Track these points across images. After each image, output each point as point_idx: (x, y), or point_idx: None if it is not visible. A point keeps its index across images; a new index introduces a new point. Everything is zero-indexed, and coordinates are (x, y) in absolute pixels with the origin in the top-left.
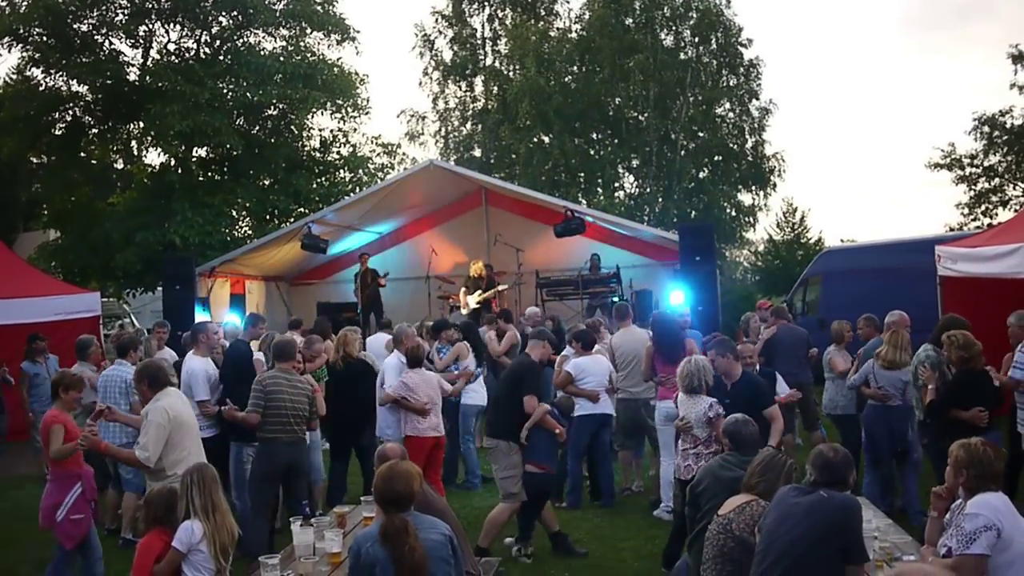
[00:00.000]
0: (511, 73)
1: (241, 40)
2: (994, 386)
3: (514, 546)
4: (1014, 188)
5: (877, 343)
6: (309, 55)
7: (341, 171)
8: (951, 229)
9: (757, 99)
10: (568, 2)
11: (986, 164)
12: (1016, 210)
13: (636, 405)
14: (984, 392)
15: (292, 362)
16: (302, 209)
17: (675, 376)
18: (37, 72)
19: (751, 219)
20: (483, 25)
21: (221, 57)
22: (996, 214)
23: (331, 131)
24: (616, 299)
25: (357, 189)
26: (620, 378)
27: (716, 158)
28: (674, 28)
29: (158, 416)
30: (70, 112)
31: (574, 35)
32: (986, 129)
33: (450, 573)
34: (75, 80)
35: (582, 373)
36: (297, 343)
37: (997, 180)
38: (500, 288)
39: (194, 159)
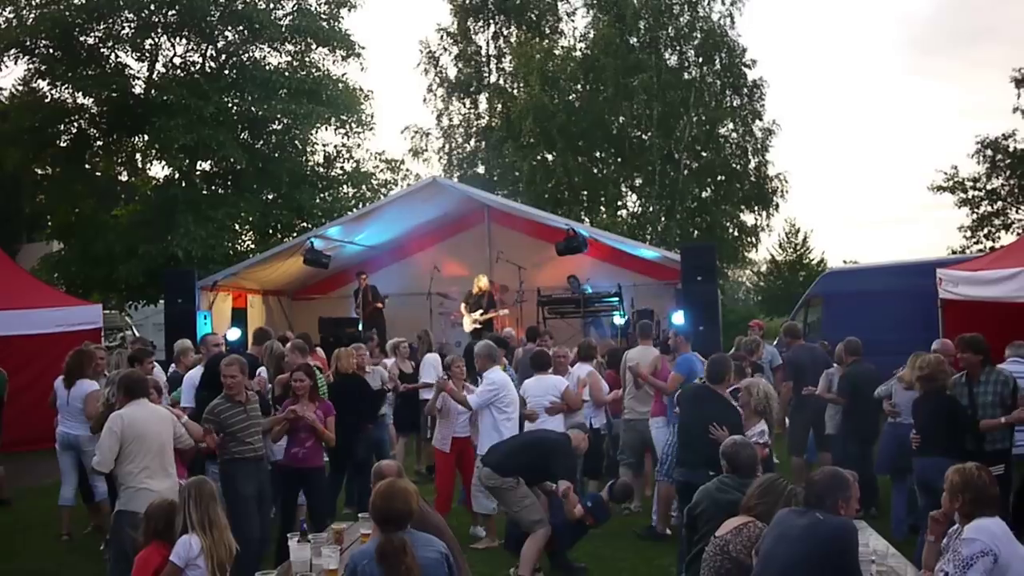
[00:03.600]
0: (515, 91)
1: (246, 55)
2: (948, 409)
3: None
4: (1017, 212)
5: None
6: (314, 70)
7: (344, 186)
8: (953, 252)
9: (760, 120)
10: (573, 21)
11: (989, 187)
12: (1018, 234)
13: (644, 424)
14: (924, 414)
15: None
16: (305, 224)
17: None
18: (43, 84)
19: (753, 239)
20: (488, 43)
21: (226, 71)
22: (999, 237)
23: (335, 146)
24: (618, 316)
25: (360, 205)
26: (628, 396)
27: (719, 178)
28: (678, 48)
29: (111, 422)
30: (75, 124)
31: (578, 54)
32: (989, 152)
33: None
34: (80, 92)
35: (524, 393)
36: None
37: (1000, 203)
38: (501, 312)
39: (198, 173)
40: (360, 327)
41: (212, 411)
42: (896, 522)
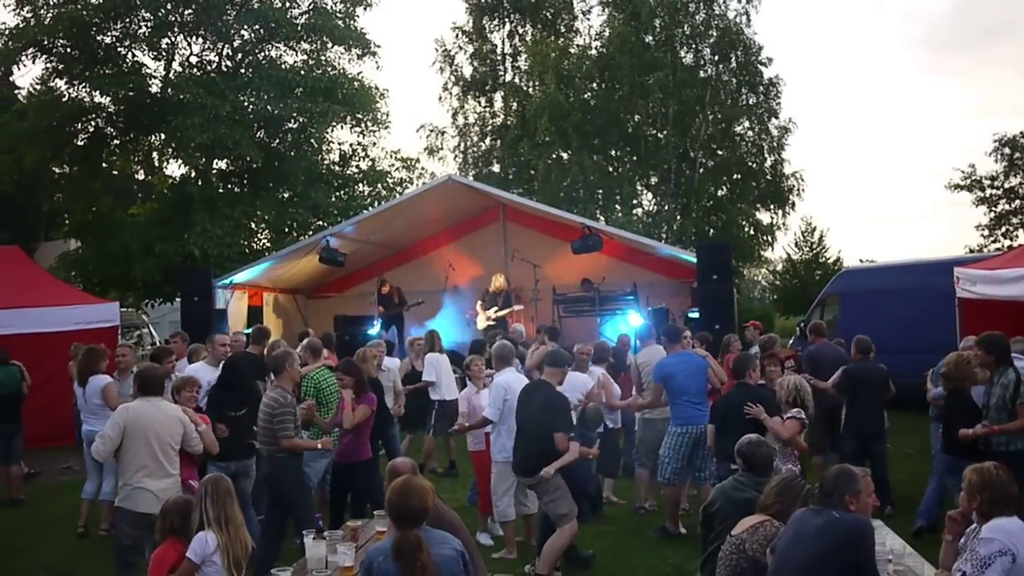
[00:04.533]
0: (531, 89)
1: (263, 54)
2: (960, 408)
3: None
4: None
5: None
6: (330, 69)
7: (360, 185)
8: (971, 250)
9: (776, 118)
10: (588, 19)
11: (1007, 186)
12: None
13: (662, 424)
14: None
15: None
16: (321, 222)
17: None
18: (61, 83)
19: (769, 238)
20: (503, 41)
21: (242, 70)
22: (1016, 236)
23: (350, 145)
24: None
25: (376, 203)
26: (646, 396)
27: (735, 176)
28: (694, 46)
29: (116, 414)
30: (92, 123)
31: (594, 52)
32: (1007, 151)
33: None
34: (98, 91)
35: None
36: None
37: (1018, 202)
38: (516, 308)
39: (214, 171)
40: (379, 326)
41: (293, 407)
42: (926, 510)
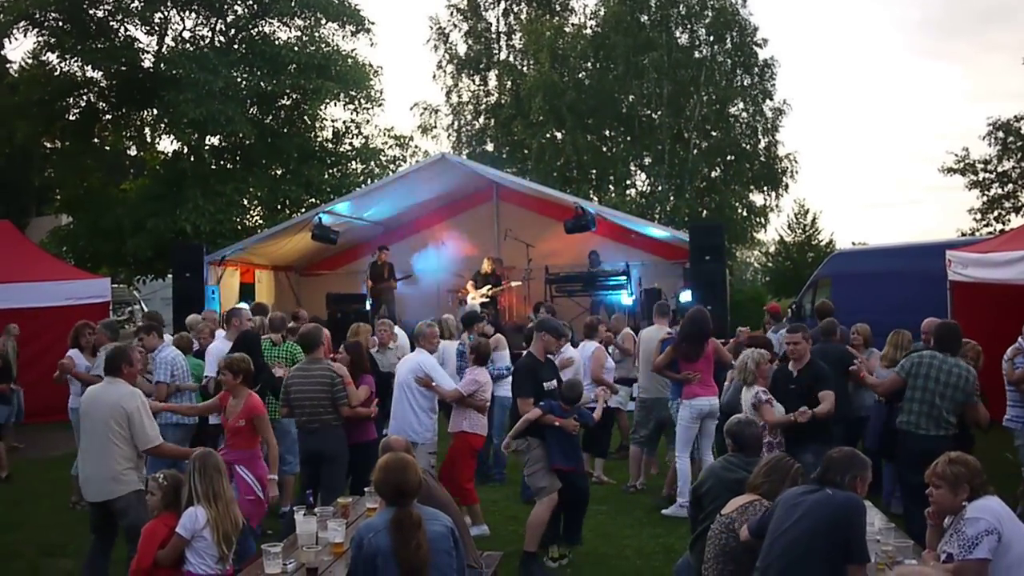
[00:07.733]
0: (525, 68)
1: (256, 29)
2: None
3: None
4: None
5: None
6: (324, 45)
7: (353, 162)
8: (963, 234)
9: (771, 99)
10: None
11: (1000, 170)
12: None
13: (652, 403)
14: None
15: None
16: (313, 199)
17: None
18: (52, 57)
19: (762, 220)
20: (498, 19)
21: (236, 46)
22: (1009, 220)
23: (344, 122)
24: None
25: (369, 181)
26: (643, 375)
27: (729, 158)
28: (689, 26)
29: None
30: (84, 98)
31: (589, 31)
32: (1001, 135)
33: (451, 565)
34: (90, 66)
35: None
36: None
37: (1011, 186)
38: (514, 283)
39: (207, 147)
40: (368, 303)
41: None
42: (885, 495)
